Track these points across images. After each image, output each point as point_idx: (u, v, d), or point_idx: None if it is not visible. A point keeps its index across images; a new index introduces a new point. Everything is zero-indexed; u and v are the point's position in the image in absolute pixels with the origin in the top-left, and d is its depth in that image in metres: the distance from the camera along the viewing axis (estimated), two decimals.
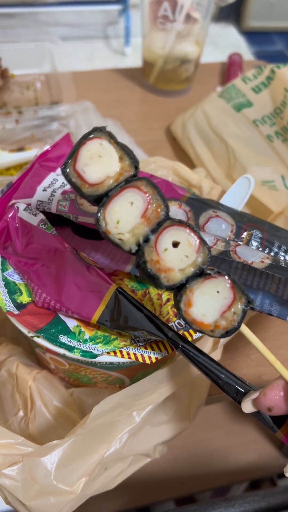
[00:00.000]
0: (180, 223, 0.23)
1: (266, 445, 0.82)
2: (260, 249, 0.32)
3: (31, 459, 0.26)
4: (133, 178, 0.23)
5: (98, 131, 0.23)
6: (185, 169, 0.39)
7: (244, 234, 0.32)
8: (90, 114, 0.52)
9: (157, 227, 0.23)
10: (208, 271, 0.23)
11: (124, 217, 0.23)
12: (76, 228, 0.34)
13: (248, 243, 0.32)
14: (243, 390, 0.25)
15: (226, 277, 0.22)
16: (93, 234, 0.34)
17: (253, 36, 2.45)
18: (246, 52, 2.47)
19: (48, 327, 0.29)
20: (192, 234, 0.23)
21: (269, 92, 0.54)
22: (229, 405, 0.75)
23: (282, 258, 0.32)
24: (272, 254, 0.32)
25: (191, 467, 0.81)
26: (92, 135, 0.23)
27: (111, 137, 0.23)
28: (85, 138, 0.23)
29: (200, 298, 0.23)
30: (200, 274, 0.23)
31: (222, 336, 0.23)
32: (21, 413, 0.33)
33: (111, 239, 0.23)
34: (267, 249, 0.32)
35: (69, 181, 0.23)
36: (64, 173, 0.23)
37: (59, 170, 0.34)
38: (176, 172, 0.39)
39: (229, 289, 0.23)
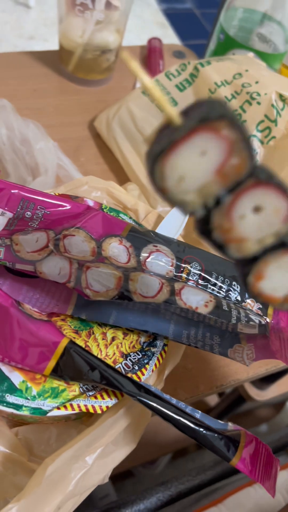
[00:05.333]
0: (268, 182, 0.18)
1: None
2: (200, 281, 0.33)
3: None
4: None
5: None
6: (119, 190, 0.38)
7: (184, 267, 0.33)
8: (8, 114, 0.48)
9: (236, 187, 0.18)
10: None
11: (191, 172, 0.17)
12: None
13: (188, 275, 0.33)
14: (199, 429, 0.27)
15: None
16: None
17: None
18: (155, 9, 2.41)
19: None
20: (283, 198, 0.18)
21: (193, 90, 0.54)
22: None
23: (219, 287, 0.33)
24: (210, 285, 0.33)
25: None
26: None
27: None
28: None
29: (276, 272, 0.20)
30: (281, 245, 0.19)
31: None
32: None
33: (168, 198, 0.18)
34: (205, 281, 0.33)
35: None
36: None
37: None
38: (110, 193, 0.38)
39: None
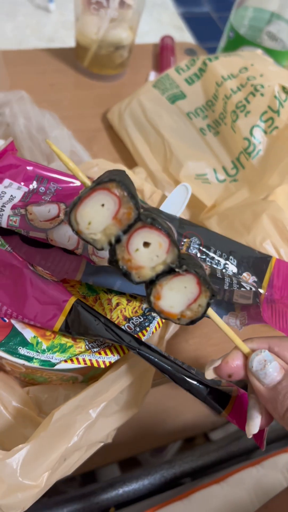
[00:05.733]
0: (151, 225, 0.24)
1: (200, 405, 0.90)
2: (198, 254, 0.35)
3: None
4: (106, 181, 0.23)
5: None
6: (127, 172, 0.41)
7: (184, 241, 0.35)
8: (26, 105, 0.51)
9: (128, 229, 0.24)
10: (177, 269, 0.25)
11: (95, 218, 0.24)
12: (25, 237, 0.35)
13: (187, 249, 0.35)
14: (193, 382, 0.29)
15: (193, 275, 0.25)
16: (42, 243, 0.35)
17: None
18: (173, 12, 2.44)
19: (6, 340, 0.30)
20: (163, 235, 0.24)
21: (201, 84, 0.57)
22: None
23: (217, 261, 0.35)
24: (209, 259, 0.35)
25: (132, 431, 0.85)
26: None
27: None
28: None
29: (168, 292, 0.25)
30: (169, 271, 0.25)
31: (187, 324, 0.26)
32: None
33: (83, 238, 0.24)
34: (204, 254, 0.35)
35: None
36: None
37: (6, 182, 0.34)
38: None
39: (195, 284, 0.25)
